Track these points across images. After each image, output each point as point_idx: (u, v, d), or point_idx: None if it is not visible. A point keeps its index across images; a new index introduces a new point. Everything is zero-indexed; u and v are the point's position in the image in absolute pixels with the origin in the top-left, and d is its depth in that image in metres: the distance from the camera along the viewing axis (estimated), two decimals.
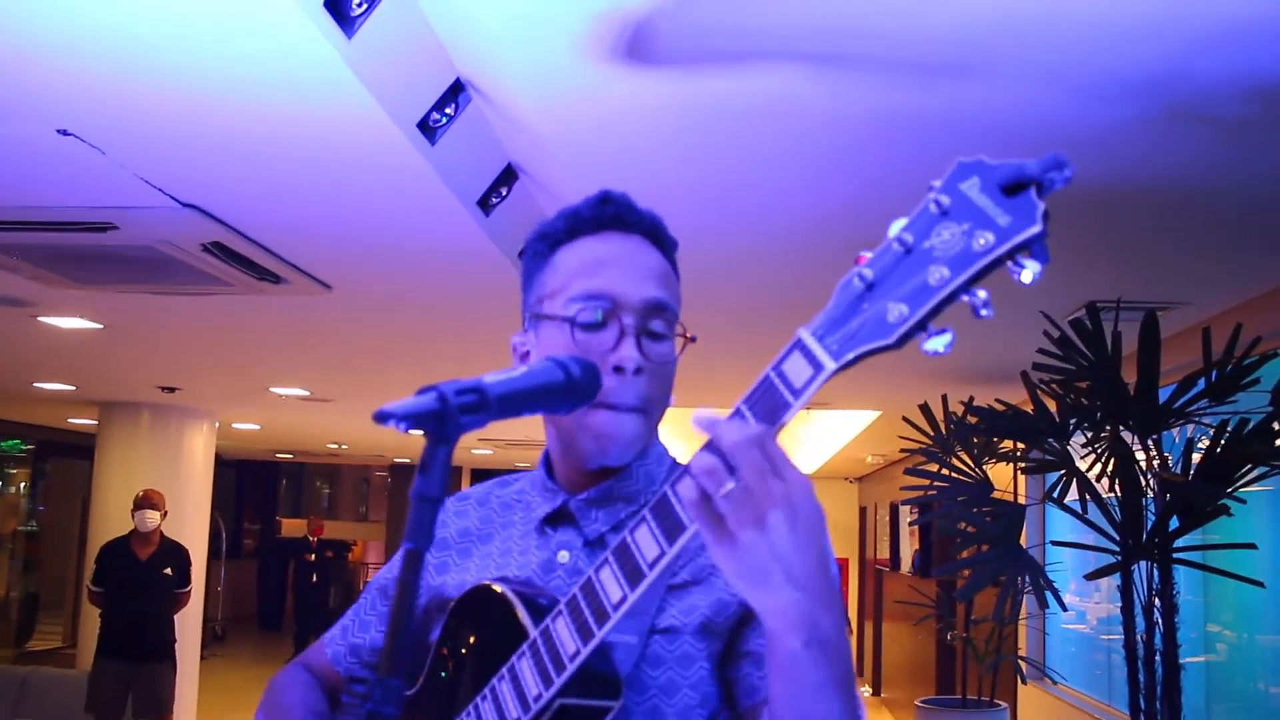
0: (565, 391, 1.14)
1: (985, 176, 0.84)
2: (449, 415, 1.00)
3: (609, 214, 1.32)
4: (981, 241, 0.82)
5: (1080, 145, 2.91)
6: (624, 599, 1.05)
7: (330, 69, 2.42)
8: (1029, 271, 0.82)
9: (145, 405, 9.45)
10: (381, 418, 0.99)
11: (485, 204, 3.54)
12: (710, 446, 0.96)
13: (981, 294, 0.84)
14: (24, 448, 14.65)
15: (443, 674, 1.30)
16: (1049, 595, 3.40)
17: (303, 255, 4.15)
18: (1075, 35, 2.42)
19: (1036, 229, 0.80)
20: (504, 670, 1.17)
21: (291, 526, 20.08)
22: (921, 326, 0.86)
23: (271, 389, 8.45)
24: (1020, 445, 4.26)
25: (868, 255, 0.90)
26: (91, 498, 9.65)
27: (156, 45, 2.41)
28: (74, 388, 8.84)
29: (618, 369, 1.23)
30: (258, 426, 12.32)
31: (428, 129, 2.90)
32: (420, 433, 1.01)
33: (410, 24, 2.48)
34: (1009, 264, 0.83)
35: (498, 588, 1.23)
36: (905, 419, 5.68)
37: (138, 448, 9.51)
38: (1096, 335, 3.43)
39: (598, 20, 2.46)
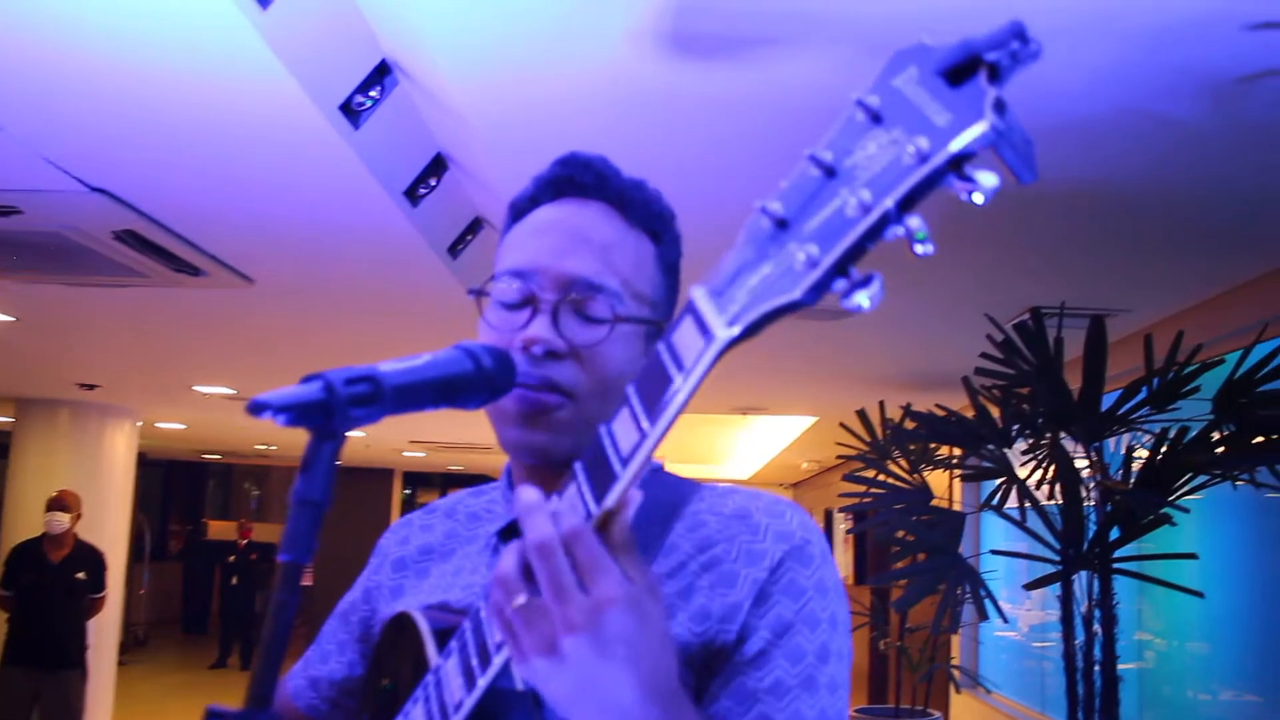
0: (473, 383, 1.01)
1: (924, 63, 0.64)
2: (336, 407, 0.89)
3: (564, 176, 1.16)
4: (911, 149, 0.61)
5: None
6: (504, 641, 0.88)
7: (245, 41, 2.27)
8: (980, 190, 0.60)
9: (64, 403, 9.12)
10: (256, 409, 0.86)
11: (413, 194, 3.39)
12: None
13: (914, 223, 0.62)
14: None
15: (366, 714, 1.17)
16: (989, 606, 3.33)
17: (222, 246, 3.97)
18: (1036, 20, 2.34)
19: (982, 126, 0.59)
20: (399, 718, 1.02)
21: (219, 528, 19.65)
22: (840, 272, 0.64)
23: (195, 387, 8.19)
24: (956, 452, 4.19)
25: (784, 184, 0.69)
26: (5, 499, 9.29)
27: (56, 12, 2.24)
28: None
29: (524, 348, 1.06)
30: (183, 426, 11.99)
31: (351, 112, 2.75)
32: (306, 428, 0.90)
33: None
34: (955, 180, 0.60)
35: (415, 617, 1.09)
36: (842, 425, 5.61)
37: (56, 447, 9.17)
38: (1040, 340, 3.37)
39: (528, 11, 2.34)
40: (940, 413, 3.68)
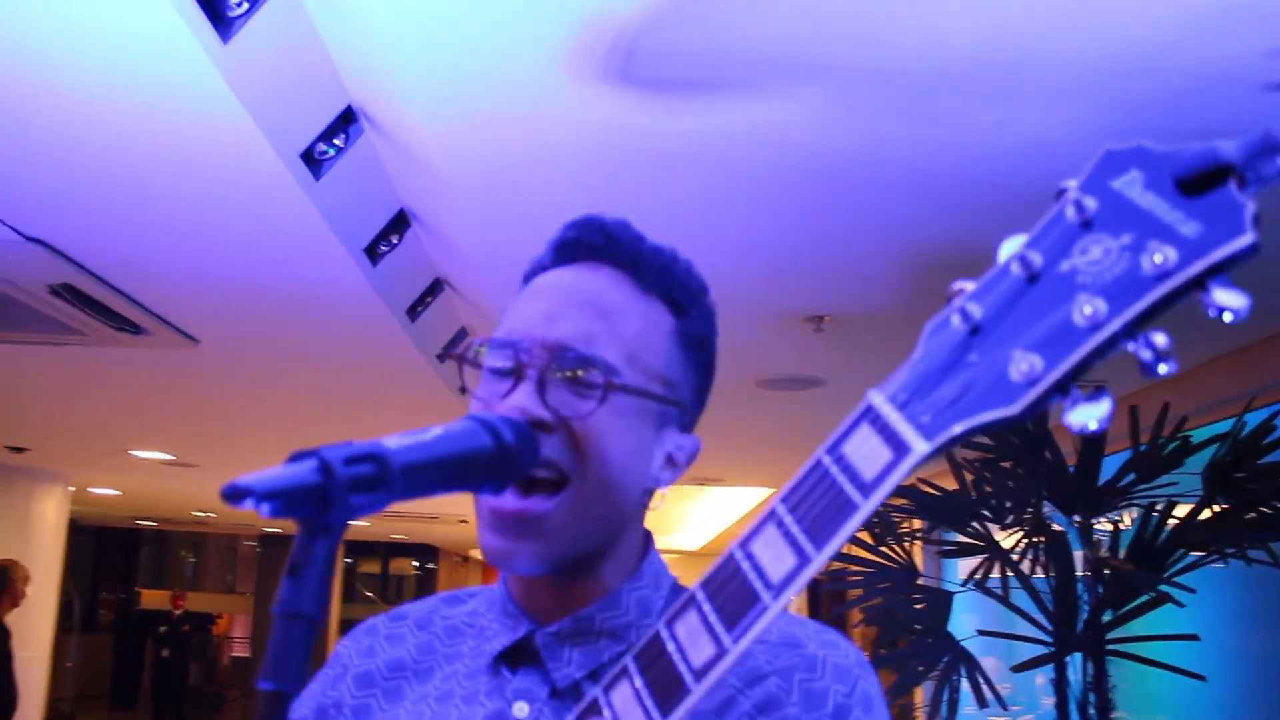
0: (492, 462, 0.85)
1: (1152, 169, 0.58)
2: (335, 493, 0.71)
3: (573, 239, 1.05)
4: (1158, 259, 0.55)
5: (1023, 207, 2.73)
6: None
7: (202, 77, 2.09)
8: (1229, 310, 0.55)
9: None
10: (234, 495, 0.68)
11: (373, 252, 3.21)
12: None
13: (1160, 340, 0.56)
14: None
15: None
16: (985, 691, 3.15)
17: (166, 303, 3.74)
18: (1035, 82, 2.23)
19: (1246, 239, 0.54)
20: None
21: (152, 597, 19.05)
22: (1061, 389, 0.58)
23: (131, 452, 7.86)
24: (918, 524, 4.03)
25: (968, 286, 0.63)
26: None
27: None
28: None
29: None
30: (117, 492, 11.56)
31: (312, 161, 2.57)
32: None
33: (299, 36, 2.17)
34: (1198, 294, 0.56)
35: None
36: None
37: None
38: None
39: (516, 53, 2.19)
40: (923, 487, 3.53)
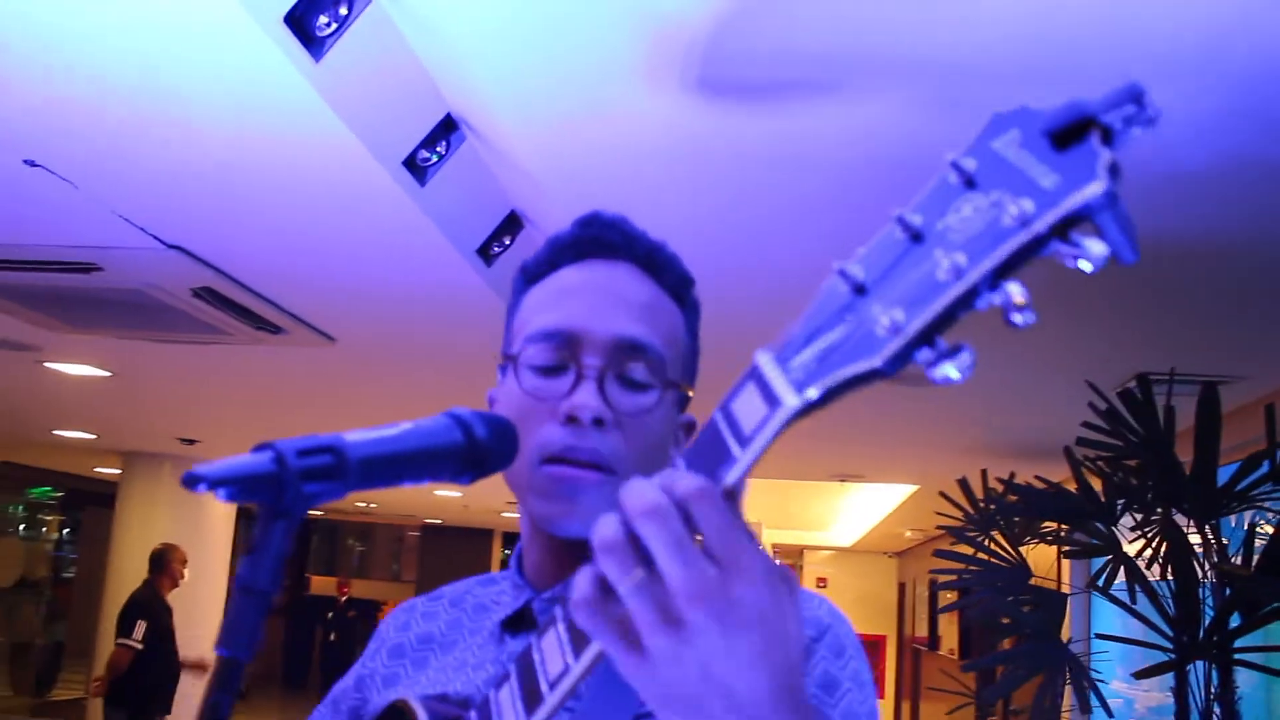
0: (461, 456, 0.89)
1: (1027, 126, 0.60)
2: (288, 481, 0.77)
3: (589, 237, 1.09)
4: (1014, 211, 0.57)
5: (1132, 197, 2.64)
6: None
7: (301, 96, 2.22)
8: (1088, 258, 0.55)
9: (166, 457, 9.29)
10: (190, 481, 0.75)
11: (486, 253, 3.31)
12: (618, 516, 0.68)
13: (1014, 290, 0.57)
14: (54, 495, 14.65)
15: None
16: (1092, 697, 3.06)
17: (300, 303, 3.95)
18: (1124, 65, 2.16)
19: (1098, 187, 0.54)
20: None
21: (321, 584, 19.92)
22: (926, 340, 0.59)
23: None
24: (1063, 526, 3.93)
25: (862, 250, 0.65)
26: (111, 548, 9.47)
27: (125, 73, 2.22)
28: (94, 436, 8.71)
29: (570, 419, 0.98)
30: None
31: (416, 168, 2.68)
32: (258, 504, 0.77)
33: (390, 52, 2.27)
34: (1060, 245, 0.56)
35: (412, 706, 0.98)
36: (942, 494, 5.34)
37: (158, 500, 9.34)
38: (1148, 408, 3.13)
39: (598, 59, 2.25)
40: (1040, 484, 3.44)
